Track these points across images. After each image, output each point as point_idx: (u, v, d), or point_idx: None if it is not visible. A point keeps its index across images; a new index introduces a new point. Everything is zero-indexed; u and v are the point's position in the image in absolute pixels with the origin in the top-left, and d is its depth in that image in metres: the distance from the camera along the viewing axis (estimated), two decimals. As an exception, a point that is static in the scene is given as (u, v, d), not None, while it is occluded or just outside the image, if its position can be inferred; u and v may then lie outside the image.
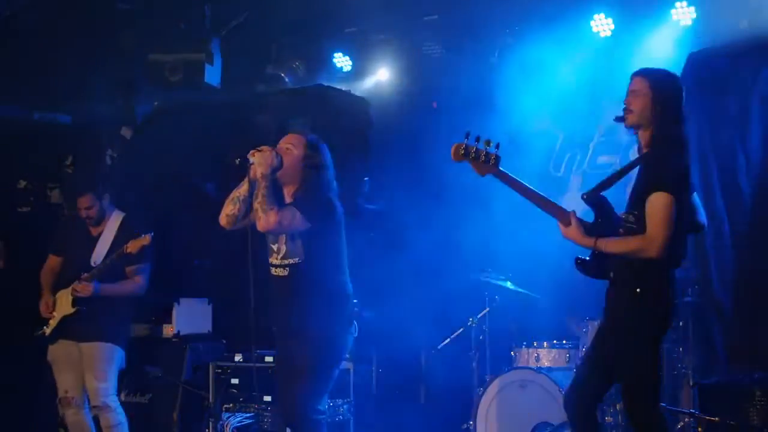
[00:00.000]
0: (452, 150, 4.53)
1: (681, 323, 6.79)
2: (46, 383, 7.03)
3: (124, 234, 6.63)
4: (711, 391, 6.33)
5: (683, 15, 7.08)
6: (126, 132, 8.73)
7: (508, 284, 7.34)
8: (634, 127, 4.66)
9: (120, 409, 6.71)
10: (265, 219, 5.09)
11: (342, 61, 8.56)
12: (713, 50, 6.85)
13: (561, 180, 8.00)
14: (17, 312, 7.46)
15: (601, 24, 7.45)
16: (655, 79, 4.67)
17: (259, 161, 5.19)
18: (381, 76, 8.83)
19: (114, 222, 6.80)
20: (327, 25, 8.46)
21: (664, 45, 7.28)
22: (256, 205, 5.15)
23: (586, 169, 7.95)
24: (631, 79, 4.72)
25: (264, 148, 5.26)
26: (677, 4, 7.07)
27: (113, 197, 6.84)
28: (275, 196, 5.23)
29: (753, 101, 6.59)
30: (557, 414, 6.34)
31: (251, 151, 5.22)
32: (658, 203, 4.41)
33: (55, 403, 6.99)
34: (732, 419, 6.01)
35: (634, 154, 4.86)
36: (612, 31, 7.40)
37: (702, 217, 4.84)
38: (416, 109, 8.58)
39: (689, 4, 7.01)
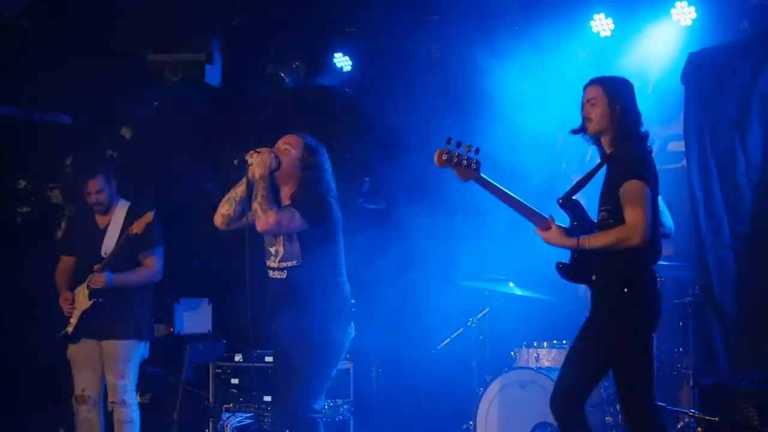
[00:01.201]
0: (435, 156, 4.64)
1: (681, 323, 6.83)
2: (43, 383, 7.18)
3: (131, 221, 6.68)
4: (711, 391, 6.34)
5: (683, 15, 7.11)
6: (126, 132, 8.74)
7: (510, 284, 7.39)
8: (597, 135, 4.79)
9: (135, 407, 6.76)
10: (264, 219, 5.15)
11: (342, 61, 8.58)
12: (713, 50, 6.88)
13: (561, 180, 8.00)
14: (17, 312, 7.55)
15: (601, 24, 7.48)
16: (608, 84, 4.80)
17: (257, 162, 5.24)
18: (380, 76, 8.87)
19: (120, 211, 6.80)
20: (327, 25, 8.49)
21: (664, 45, 7.32)
22: (255, 205, 5.22)
23: (586, 169, 7.95)
24: (585, 90, 4.84)
25: (262, 149, 5.32)
26: (677, 3, 7.10)
27: (119, 187, 6.86)
28: (274, 197, 5.29)
29: (753, 101, 6.62)
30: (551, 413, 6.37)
31: (250, 152, 5.28)
32: (632, 190, 4.50)
33: (48, 401, 7.13)
34: (732, 419, 6.03)
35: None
36: (612, 31, 7.43)
37: (668, 220, 4.92)
38: (416, 109, 8.60)
39: (689, 4, 7.05)
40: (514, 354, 7.36)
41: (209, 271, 8.44)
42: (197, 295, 8.25)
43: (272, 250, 5.49)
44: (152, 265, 6.72)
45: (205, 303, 8.31)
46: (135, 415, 6.78)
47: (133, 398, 6.76)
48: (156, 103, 8.84)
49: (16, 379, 7.62)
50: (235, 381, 7.42)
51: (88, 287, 6.56)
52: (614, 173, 4.63)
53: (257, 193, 5.22)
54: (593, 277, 4.68)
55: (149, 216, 6.45)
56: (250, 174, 5.26)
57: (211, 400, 7.43)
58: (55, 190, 8.59)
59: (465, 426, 7.27)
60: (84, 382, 6.76)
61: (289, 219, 5.24)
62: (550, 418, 6.43)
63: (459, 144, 4.62)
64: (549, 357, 7.20)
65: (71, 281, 6.71)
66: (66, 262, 6.87)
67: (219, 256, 8.05)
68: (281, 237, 5.41)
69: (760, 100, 6.59)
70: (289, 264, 5.43)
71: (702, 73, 6.82)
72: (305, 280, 5.42)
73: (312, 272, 5.42)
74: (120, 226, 6.73)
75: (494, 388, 6.94)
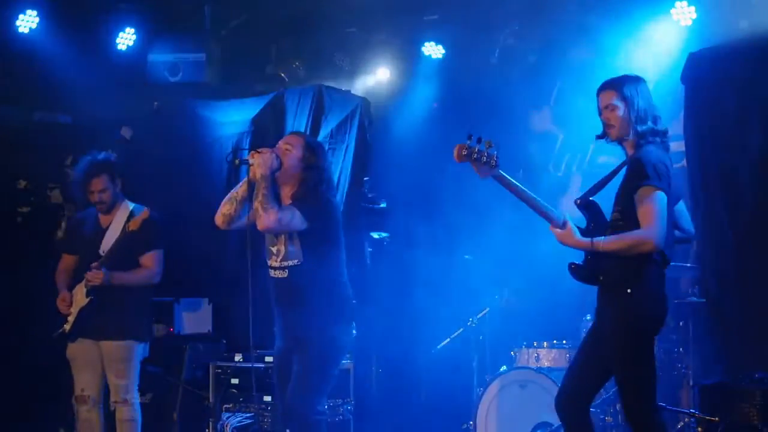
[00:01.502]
0: (455, 151, 4.63)
1: (681, 323, 6.92)
2: (43, 383, 7.32)
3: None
4: (711, 391, 6.41)
5: (683, 15, 7.25)
6: (126, 132, 8.80)
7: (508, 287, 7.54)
8: (619, 140, 4.82)
9: (137, 406, 6.88)
10: (265, 218, 5.27)
11: (343, 60, 8.66)
12: (713, 50, 7.00)
13: (561, 180, 8.08)
14: (17, 312, 7.64)
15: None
16: (621, 87, 4.84)
17: (258, 162, 5.35)
18: (381, 76, 8.95)
19: (123, 212, 6.89)
20: (327, 25, 8.55)
21: (664, 45, 7.43)
22: (256, 204, 5.35)
23: (586, 169, 8.05)
24: (599, 95, 4.88)
25: (263, 150, 5.44)
26: (677, 3, 7.23)
27: (123, 187, 6.97)
28: (275, 196, 5.42)
29: (752, 101, 6.70)
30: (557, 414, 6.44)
31: (251, 153, 5.42)
32: (647, 196, 4.55)
33: (48, 401, 7.27)
34: (732, 419, 6.12)
35: None
36: (613, 30, 7.53)
37: (689, 224, 4.98)
38: (416, 109, 8.67)
39: (689, 3, 7.19)
40: (514, 354, 7.47)
41: (209, 271, 8.56)
42: (197, 295, 8.36)
43: (273, 249, 5.61)
44: (151, 266, 6.77)
45: (205, 303, 8.37)
46: (137, 414, 6.87)
47: (135, 397, 6.84)
48: (156, 104, 8.89)
49: (17, 379, 7.71)
50: (235, 381, 7.51)
51: (85, 284, 6.62)
52: (631, 176, 4.69)
53: (258, 193, 5.33)
54: (600, 278, 4.72)
55: (146, 213, 6.54)
56: (251, 174, 5.36)
57: (211, 400, 7.51)
58: (55, 190, 8.66)
59: (465, 426, 7.39)
60: (83, 382, 6.85)
61: (290, 218, 5.33)
62: (551, 418, 6.55)
63: (479, 140, 4.65)
64: (549, 357, 7.34)
65: (71, 280, 6.78)
66: (67, 261, 6.95)
67: (219, 256, 8.18)
68: (282, 236, 5.53)
69: (759, 100, 6.67)
70: (291, 263, 5.53)
71: (702, 73, 6.91)
72: (306, 279, 5.54)
73: (313, 271, 5.53)
74: (121, 226, 6.79)
75: (494, 388, 7.07)
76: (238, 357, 7.62)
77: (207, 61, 8.57)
